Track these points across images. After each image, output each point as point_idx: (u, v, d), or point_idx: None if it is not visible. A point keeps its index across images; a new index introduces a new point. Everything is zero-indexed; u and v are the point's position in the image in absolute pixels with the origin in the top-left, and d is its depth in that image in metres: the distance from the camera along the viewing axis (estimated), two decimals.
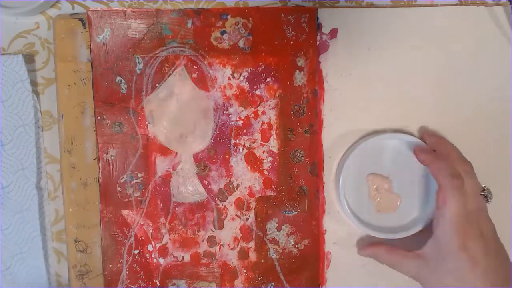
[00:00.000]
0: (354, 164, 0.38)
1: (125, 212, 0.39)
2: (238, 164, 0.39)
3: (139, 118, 0.38)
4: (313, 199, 0.39)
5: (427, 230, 0.37)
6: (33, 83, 0.40)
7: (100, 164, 0.38)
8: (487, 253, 0.33)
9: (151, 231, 0.39)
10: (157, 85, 0.38)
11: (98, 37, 0.38)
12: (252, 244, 0.39)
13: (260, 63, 0.38)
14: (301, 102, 0.39)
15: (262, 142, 0.39)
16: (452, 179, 0.34)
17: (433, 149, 0.38)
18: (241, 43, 0.38)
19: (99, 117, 0.38)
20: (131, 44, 0.38)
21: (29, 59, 0.40)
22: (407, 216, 0.39)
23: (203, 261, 0.39)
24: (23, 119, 0.39)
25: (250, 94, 0.39)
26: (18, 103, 0.39)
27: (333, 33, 0.39)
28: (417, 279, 0.36)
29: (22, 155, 0.39)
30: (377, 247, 0.38)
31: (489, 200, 0.37)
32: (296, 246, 0.39)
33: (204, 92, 0.39)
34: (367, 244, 0.39)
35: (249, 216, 0.39)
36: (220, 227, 0.39)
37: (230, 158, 0.39)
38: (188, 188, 0.39)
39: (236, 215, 0.39)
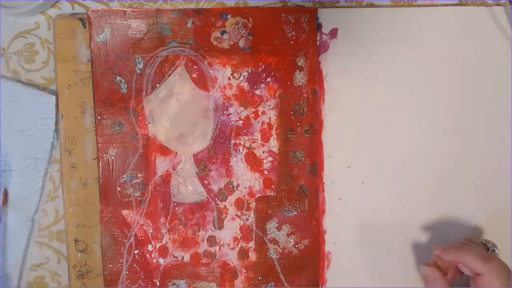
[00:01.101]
0: None
1: (125, 212, 0.39)
2: (238, 164, 0.39)
3: (139, 118, 0.38)
4: (313, 199, 0.39)
5: None
6: (33, 83, 0.40)
7: (100, 164, 0.38)
8: None
9: (151, 231, 0.39)
10: (157, 85, 0.38)
11: (98, 37, 0.38)
12: (252, 244, 0.39)
13: (260, 63, 0.38)
14: (301, 102, 0.39)
15: (262, 142, 0.39)
16: (487, 263, 0.34)
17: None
18: (241, 43, 0.38)
19: (99, 117, 0.38)
20: (131, 44, 0.38)
21: (29, 59, 0.40)
22: None
23: (203, 261, 0.39)
24: (36, 152, 0.39)
25: (250, 94, 0.39)
26: (38, 136, 0.39)
27: (333, 33, 0.39)
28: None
29: (27, 186, 0.40)
30: (442, 275, 0.37)
31: (496, 250, 0.37)
32: (296, 246, 0.39)
33: (204, 92, 0.39)
34: (432, 264, 0.38)
35: (249, 216, 0.39)
36: (220, 227, 0.39)
37: (230, 158, 0.39)
38: (188, 188, 0.39)
39: (236, 215, 0.39)
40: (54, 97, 0.39)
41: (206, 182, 0.39)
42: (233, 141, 0.39)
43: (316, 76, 0.39)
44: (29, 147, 0.39)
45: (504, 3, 0.40)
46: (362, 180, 0.40)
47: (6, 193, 0.39)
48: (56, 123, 0.39)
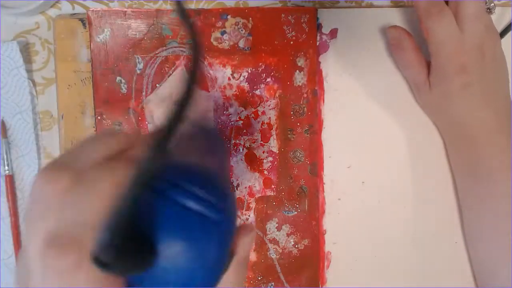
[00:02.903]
0: None
1: None
2: (238, 164, 0.39)
3: (139, 118, 0.38)
4: (313, 199, 0.39)
5: None
6: (33, 83, 0.40)
7: None
8: (482, 76, 0.33)
9: None
10: (157, 85, 0.38)
11: (98, 37, 0.38)
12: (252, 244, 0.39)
13: (260, 63, 0.39)
14: (301, 102, 0.39)
15: (262, 142, 0.39)
16: (430, 7, 0.33)
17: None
18: (241, 43, 0.38)
19: (99, 117, 0.38)
20: (131, 44, 0.38)
21: (29, 59, 0.40)
22: None
23: None
24: (20, 106, 0.39)
25: (250, 94, 0.39)
26: (15, 90, 0.39)
27: (333, 33, 0.39)
28: (417, 92, 0.38)
29: (22, 142, 0.40)
30: (409, 35, 0.36)
31: (493, 12, 0.36)
32: (296, 246, 0.39)
33: (204, 92, 0.39)
34: (399, 26, 0.37)
35: (249, 216, 0.39)
36: None
37: (230, 158, 0.39)
38: None
39: None
40: (15, 42, 0.39)
41: None
42: (233, 141, 0.39)
43: (316, 76, 0.39)
44: (11, 104, 0.39)
45: (504, 3, 0.40)
46: (362, 180, 0.40)
47: (3, 125, 0.39)
48: (29, 70, 0.39)
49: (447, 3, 0.35)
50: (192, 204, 0.19)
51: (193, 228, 0.19)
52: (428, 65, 0.36)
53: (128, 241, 0.16)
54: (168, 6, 0.39)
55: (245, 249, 0.22)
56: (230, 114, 0.39)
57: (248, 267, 0.39)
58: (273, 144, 0.39)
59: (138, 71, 0.38)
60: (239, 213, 0.39)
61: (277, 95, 0.39)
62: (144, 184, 0.16)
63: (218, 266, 0.20)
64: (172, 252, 0.18)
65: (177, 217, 0.19)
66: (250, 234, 0.22)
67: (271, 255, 0.39)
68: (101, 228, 0.16)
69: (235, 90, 0.39)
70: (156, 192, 0.19)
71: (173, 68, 0.38)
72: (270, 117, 0.39)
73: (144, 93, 0.38)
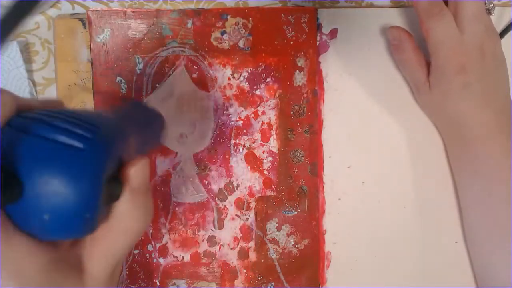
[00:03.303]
0: None
1: None
2: (238, 164, 0.39)
3: None
4: (313, 199, 0.39)
5: None
6: (33, 83, 0.40)
7: None
8: (482, 76, 0.33)
9: (151, 231, 0.39)
10: (157, 85, 0.38)
11: (98, 37, 0.38)
12: (252, 244, 0.39)
13: (260, 63, 0.39)
14: (301, 102, 0.39)
15: (262, 142, 0.39)
16: (430, 7, 0.33)
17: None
18: (241, 43, 0.38)
19: None
20: (131, 44, 0.38)
21: (29, 59, 0.40)
22: None
23: (203, 261, 0.39)
24: None
25: (250, 94, 0.39)
26: (15, 90, 0.39)
27: (333, 33, 0.39)
28: (417, 92, 0.38)
29: None
30: (409, 36, 0.36)
31: (492, 12, 0.36)
32: (296, 246, 0.39)
33: (204, 92, 0.39)
34: (399, 27, 0.37)
35: (249, 216, 0.39)
36: (220, 227, 0.39)
37: (230, 158, 0.39)
38: (188, 188, 0.39)
39: (236, 215, 0.39)
40: (15, 42, 0.39)
41: (206, 182, 0.39)
42: (233, 141, 0.39)
43: (316, 76, 0.39)
44: None
45: (505, 3, 0.40)
46: (362, 180, 0.40)
47: None
48: (29, 70, 0.39)
49: (446, 3, 0.35)
50: (53, 135, 0.20)
51: (54, 156, 0.20)
52: (428, 65, 0.36)
53: None
54: (168, 6, 0.40)
55: (137, 177, 0.23)
56: (230, 114, 0.39)
57: (248, 267, 0.39)
58: (273, 144, 0.39)
59: (138, 71, 0.38)
60: (239, 213, 0.39)
61: (277, 95, 0.39)
62: None
63: (93, 192, 0.21)
64: (39, 182, 0.19)
65: (38, 148, 0.20)
66: (139, 163, 0.23)
67: (271, 255, 0.39)
68: None
69: (235, 90, 0.39)
70: (19, 128, 0.20)
71: (173, 68, 0.38)
72: (270, 117, 0.39)
73: (144, 93, 0.38)
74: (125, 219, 0.23)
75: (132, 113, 0.31)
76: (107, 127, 0.22)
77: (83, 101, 0.39)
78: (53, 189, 0.19)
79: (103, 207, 0.22)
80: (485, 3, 0.35)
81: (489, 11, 0.36)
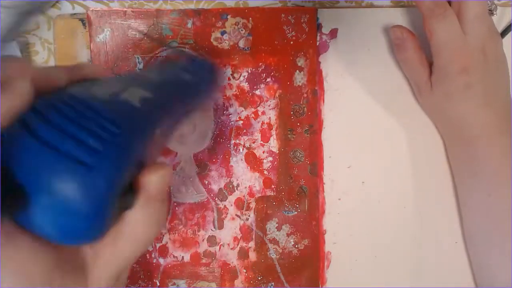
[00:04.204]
0: None
1: None
2: (238, 164, 0.39)
3: None
4: (313, 199, 0.39)
5: None
6: None
7: None
8: (484, 77, 0.34)
9: None
10: None
11: (98, 37, 0.38)
12: (252, 244, 0.39)
13: (260, 63, 0.39)
14: (301, 102, 0.39)
15: (262, 142, 0.39)
16: (434, 8, 0.33)
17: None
18: (241, 43, 0.38)
19: None
20: (131, 44, 0.38)
21: (29, 59, 0.40)
22: None
23: (203, 261, 0.39)
24: None
25: (250, 94, 0.39)
26: None
27: (333, 33, 0.39)
28: (418, 92, 0.38)
29: None
30: (412, 35, 0.37)
31: (494, 13, 0.36)
32: (296, 246, 0.39)
33: None
34: (402, 26, 0.37)
35: (249, 216, 0.39)
36: (220, 227, 0.39)
37: (230, 158, 0.39)
38: (188, 188, 0.39)
39: (236, 215, 0.39)
40: (15, 42, 0.38)
41: (206, 182, 0.39)
42: (233, 141, 0.39)
43: (316, 76, 0.39)
44: None
45: (505, 3, 0.40)
46: (362, 180, 0.40)
47: None
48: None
49: (449, 3, 0.35)
50: (57, 143, 0.17)
51: (58, 169, 0.17)
52: (430, 65, 0.36)
53: None
54: (168, 6, 0.39)
55: (153, 186, 0.21)
56: (230, 114, 0.39)
57: (248, 267, 0.39)
58: (273, 144, 0.39)
59: (138, 71, 0.38)
60: (239, 213, 0.39)
61: (277, 95, 0.39)
62: None
63: (102, 208, 0.18)
64: (41, 193, 0.17)
65: (39, 155, 0.17)
66: (158, 171, 0.21)
67: (271, 255, 0.39)
68: None
69: (235, 90, 0.39)
70: (24, 126, 0.17)
71: None
72: (270, 117, 0.39)
73: None
74: (137, 228, 0.21)
75: (180, 78, 0.26)
76: (131, 124, 0.19)
77: None
78: (57, 202, 0.17)
79: (114, 216, 0.20)
80: (488, 4, 0.35)
81: (491, 12, 0.36)
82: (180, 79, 0.28)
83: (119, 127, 0.19)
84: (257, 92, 0.39)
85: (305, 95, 0.39)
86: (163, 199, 0.22)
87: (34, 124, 0.18)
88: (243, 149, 0.39)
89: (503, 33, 0.37)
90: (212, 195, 0.39)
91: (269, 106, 0.39)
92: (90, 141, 0.18)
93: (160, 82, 0.25)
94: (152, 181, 0.21)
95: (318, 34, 0.39)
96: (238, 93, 0.39)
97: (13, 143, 0.17)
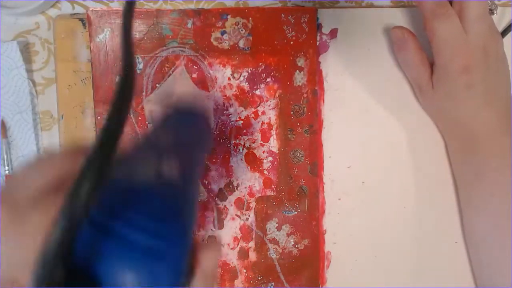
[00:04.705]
0: None
1: None
2: (238, 164, 0.39)
3: (139, 118, 0.38)
4: (313, 199, 0.39)
5: None
6: (33, 83, 0.40)
7: None
8: (485, 76, 0.34)
9: None
10: (157, 85, 0.38)
11: (98, 37, 0.38)
12: (252, 244, 0.39)
13: (260, 63, 0.39)
14: (301, 102, 0.39)
15: (262, 142, 0.39)
16: (436, 8, 0.34)
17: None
18: (241, 43, 0.38)
19: (99, 117, 0.38)
20: None
21: (29, 59, 0.40)
22: None
23: None
24: (20, 106, 0.39)
25: (250, 94, 0.39)
26: (15, 90, 0.39)
27: (333, 33, 0.39)
28: (419, 92, 0.38)
29: (22, 142, 0.40)
30: (413, 36, 0.37)
31: (495, 12, 0.36)
32: (296, 246, 0.39)
33: (204, 92, 0.39)
34: (403, 26, 0.37)
35: (249, 216, 0.39)
36: (220, 227, 0.39)
37: (230, 158, 0.39)
38: None
39: (236, 215, 0.39)
40: (15, 42, 0.39)
41: (206, 182, 0.39)
42: (233, 141, 0.39)
43: (316, 76, 0.39)
44: (11, 104, 0.39)
45: (505, 3, 0.40)
46: (362, 180, 0.40)
47: (3, 125, 0.39)
48: (29, 70, 0.39)
49: (451, 3, 0.35)
50: (132, 235, 0.18)
51: (133, 258, 0.18)
52: (431, 65, 0.36)
53: (66, 276, 0.16)
54: (168, 6, 0.39)
55: (209, 263, 0.22)
56: (230, 114, 0.39)
57: (248, 267, 0.39)
58: (273, 144, 0.39)
59: (138, 71, 0.38)
60: (239, 213, 0.39)
61: (277, 95, 0.39)
62: (75, 218, 0.15)
63: (171, 284, 0.19)
64: (115, 284, 0.18)
65: (117, 250, 0.18)
66: (214, 249, 0.22)
67: (271, 255, 0.39)
68: (37, 266, 0.15)
69: (235, 90, 0.39)
70: (94, 224, 0.18)
71: (173, 68, 0.38)
72: (270, 117, 0.39)
73: (144, 93, 0.38)
74: None
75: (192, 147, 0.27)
76: (185, 210, 0.20)
77: (83, 101, 0.39)
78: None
79: None
80: (488, 3, 0.35)
81: (491, 11, 0.36)
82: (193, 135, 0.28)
83: (178, 211, 0.20)
84: (257, 92, 0.39)
85: (305, 95, 0.39)
86: (215, 275, 0.22)
87: (102, 220, 0.18)
88: (243, 149, 0.39)
89: (503, 33, 0.37)
90: (212, 195, 0.39)
91: (269, 106, 0.39)
92: (157, 229, 0.19)
93: (177, 144, 0.26)
94: (209, 257, 0.21)
95: (318, 34, 0.39)
96: (238, 93, 0.39)
97: (82, 237, 0.17)
